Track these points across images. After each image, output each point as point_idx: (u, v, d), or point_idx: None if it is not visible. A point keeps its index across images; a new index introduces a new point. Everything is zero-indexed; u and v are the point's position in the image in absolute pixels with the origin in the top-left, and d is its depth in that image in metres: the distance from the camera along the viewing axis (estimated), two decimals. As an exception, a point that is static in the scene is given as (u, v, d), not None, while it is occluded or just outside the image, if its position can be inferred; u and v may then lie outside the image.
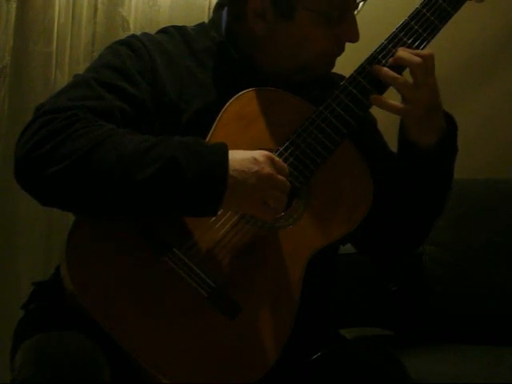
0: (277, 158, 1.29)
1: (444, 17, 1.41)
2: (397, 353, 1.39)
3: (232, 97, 1.36)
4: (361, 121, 1.39)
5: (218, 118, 1.34)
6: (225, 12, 1.48)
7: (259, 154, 1.26)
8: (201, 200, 1.22)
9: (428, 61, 1.36)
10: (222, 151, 1.24)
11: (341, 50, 1.44)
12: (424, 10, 1.40)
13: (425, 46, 1.40)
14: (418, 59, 1.35)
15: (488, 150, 2.43)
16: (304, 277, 1.31)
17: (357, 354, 1.37)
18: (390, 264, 1.98)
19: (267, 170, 1.25)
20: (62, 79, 2.32)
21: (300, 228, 1.33)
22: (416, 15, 1.40)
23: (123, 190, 1.21)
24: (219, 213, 1.26)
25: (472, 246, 2.09)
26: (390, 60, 1.37)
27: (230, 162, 1.23)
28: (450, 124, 1.43)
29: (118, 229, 1.26)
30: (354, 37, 1.41)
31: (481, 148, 2.44)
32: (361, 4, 1.42)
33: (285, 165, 1.30)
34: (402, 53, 1.37)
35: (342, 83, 1.39)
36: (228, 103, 1.35)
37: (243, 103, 1.37)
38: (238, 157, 1.25)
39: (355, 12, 1.42)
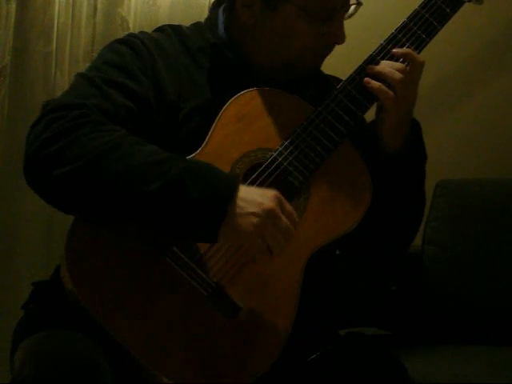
0: (286, 202, 1.25)
1: (443, 18, 1.41)
2: (397, 353, 1.39)
3: (226, 96, 1.36)
4: (359, 121, 1.40)
5: (217, 118, 1.34)
6: (221, 10, 1.48)
7: (269, 191, 1.25)
8: (200, 222, 1.20)
9: (414, 71, 1.37)
10: (232, 180, 1.23)
11: (327, 49, 1.43)
12: (423, 12, 1.41)
13: (423, 47, 1.41)
14: (398, 75, 1.36)
15: (488, 150, 2.44)
16: (303, 276, 1.31)
17: (357, 353, 1.37)
18: (390, 264, 1.98)
19: (273, 206, 1.23)
20: (62, 79, 2.32)
21: (299, 227, 1.32)
22: (415, 16, 1.40)
23: (125, 200, 1.20)
24: None
25: (472, 245, 2.10)
26: (373, 72, 1.38)
27: (238, 197, 1.21)
28: (416, 128, 1.45)
29: (117, 228, 1.25)
30: (338, 39, 1.40)
31: (481, 148, 2.44)
32: (352, 7, 1.42)
33: (293, 210, 1.27)
34: (383, 67, 1.37)
35: (340, 84, 1.39)
36: (228, 103, 1.35)
37: (243, 103, 1.37)
38: (246, 188, 1.24)
39: (347, 16, 1.42)
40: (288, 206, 1.26)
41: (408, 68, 1.37)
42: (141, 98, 1.34)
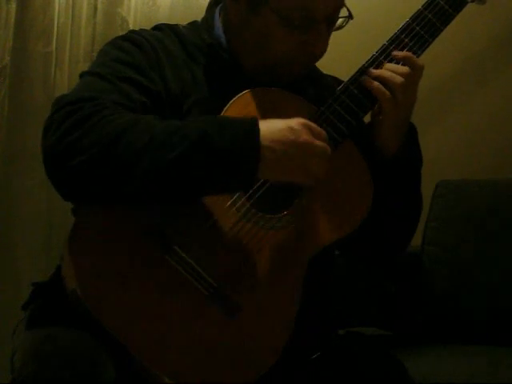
0: (313, 125, 1.28)
1: (446, 19, 1.41)
2: (397, 353, 1.39)
3: (224, 94, 1.36)
4: (361, 121, 1.40)
5: (220, 118, 1.35)
6: (218, 10, 1.48)
7: (295, 123, 1.26)
8: (235, 171, 1.21)
9: (413, 75, 1.37)
10: (251, 122, 1.24)
11: (308, 57, 1.41)
12: (426, 12, 1.41)
13: (426, 48, 1.41)
14: (399, 79, 1.36)
15: (488, 150, 2.44)
16: (304, 276, 1.32)
17: (357, 353, 1.38)
18: (389, 264, 1.98)
19: (304, 137, 1.24)
20: (62, 79, 2.32)
21: (301, 228, 1.33)
22: (418, 17, 1.41)
23: (156, 170, 1.20)
24: (221, 210, 1.27)
25: (472, 245, 2.10)
26: (373, 76, 1.38)
27: (263, 132, 1.22)
28: (412, 131, 1.45)
29: (119, 228, 1.26)
30: (317, 48, 1.38)
31: (481, 148, 2.45)
32: (340, 20, 1.41)
33: (322, 130, 1.29)
34: (383, 71, 1.38)
35: (342, 84, 1.39)
36: (229, 103, 1.35)
37: (245, 102, 1.36)
38: (271, 126, 1.24)
39: (335, 28, 1.41)
40: (316, 128, 1.27)
41: (408, 71, 1.37)
42: (154, 94, 1.34)
